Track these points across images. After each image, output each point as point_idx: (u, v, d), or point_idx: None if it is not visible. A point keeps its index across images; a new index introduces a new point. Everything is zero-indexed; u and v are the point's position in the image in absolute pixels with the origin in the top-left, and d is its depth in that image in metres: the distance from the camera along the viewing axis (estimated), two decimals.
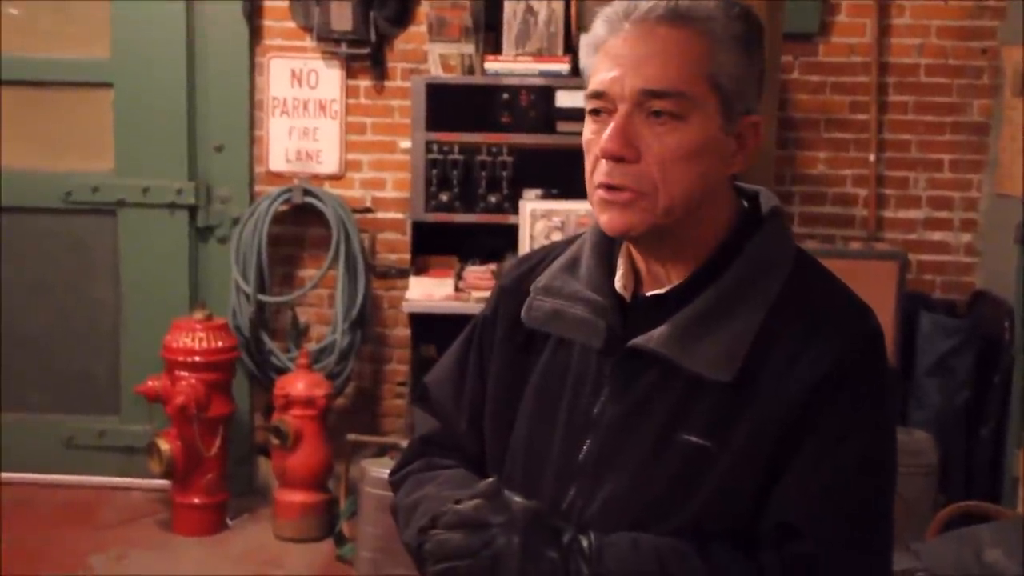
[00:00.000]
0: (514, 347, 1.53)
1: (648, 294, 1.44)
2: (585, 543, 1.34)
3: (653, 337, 1.37)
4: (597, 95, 1.37)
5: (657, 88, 1.33)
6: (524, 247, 4.22)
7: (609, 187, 1.36)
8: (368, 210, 4.84)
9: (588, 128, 1.40)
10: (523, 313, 1.50)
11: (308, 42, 4.79)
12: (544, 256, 1.58)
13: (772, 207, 1.45)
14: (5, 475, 4.74)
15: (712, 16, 1.35)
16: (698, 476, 1.34)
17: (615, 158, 1.35)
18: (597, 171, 1.38)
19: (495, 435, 1.53)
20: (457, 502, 1.38)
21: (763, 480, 1.32)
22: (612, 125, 1.35)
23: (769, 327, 1.35)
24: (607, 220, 1.38)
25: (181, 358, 4.34)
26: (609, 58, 1.36)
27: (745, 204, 1.46)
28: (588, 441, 1.42)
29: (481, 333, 1.59)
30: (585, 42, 1.43)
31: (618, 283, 1.46)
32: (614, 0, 1.40)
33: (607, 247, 1.48)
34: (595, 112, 1.38)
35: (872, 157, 4.72)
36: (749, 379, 1.33)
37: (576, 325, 1.45)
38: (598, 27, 1.39)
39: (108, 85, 4.77)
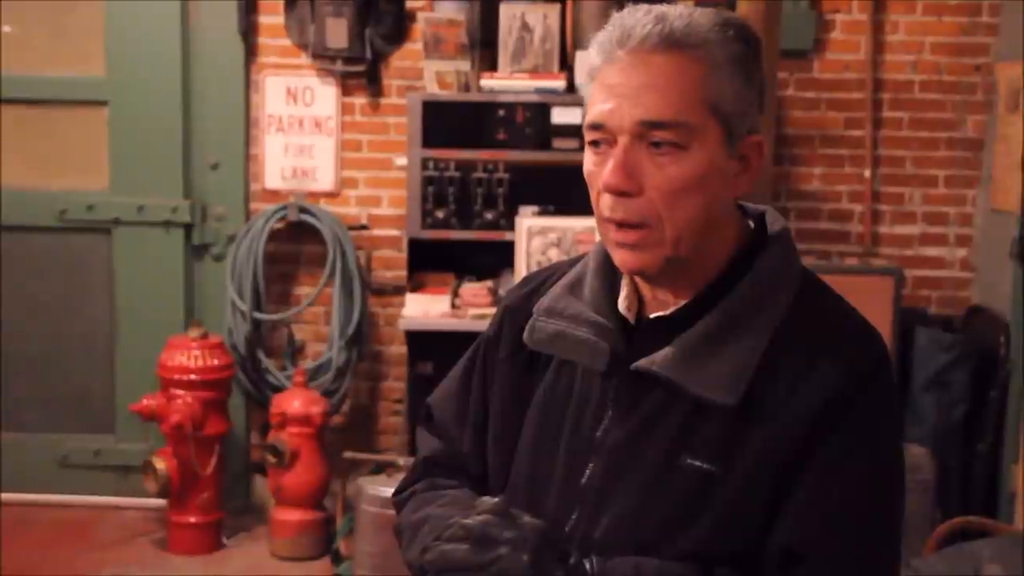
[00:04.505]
0: (517, 368, 1.52)
1: (652, 316, 1.42)
2: (588, 567, 1.33)
3: (657, 360, 1.36)
4: (596, 127, 1.34)
5: (656, 119, 1.30)
6: (520, 264, 4.22)
7: (619, 225, 1.34)
8: (364, 227, 4.84)
9: (589, 160, 1.37)
10: (526, 334, 1.48)
11: (303, 59, 4.80)
12: (548, 276, 1.56)
13: (779, 228, 1.43)
14: (1, 494, 4.71)
15: (708, 39, 1.32)
16: (703, 501, 1.32)
17: (617, 192, 1.32)
18: (602, 204, 1.35)
19: (498, 456, 1.52)
20: (464, 517, 1.37)
21: (769, 504, 1.31)
22: (613, 159, 1.32)
23: (775, 349, 1.33)
24: (620, 260, 1.37)
25: (176, 376, 4.33)
26: (605, 88, 1.33)
27: (751, 224, 1.44)
28: (591, 464, 1.40)
29: (484, 353, 1.57)
30: (583, 67, 1.41)
31: (622, 304, 1.44)
32: (608, 25, 1.36)
33: (611, 268, 1.46)
34: (595, 144, 1.36)
35: (867, 173, 4.74)
36: (755, 402, 1.31)
37: (579, 347, 1.43)
38: (593, 54, 1.36)
39: (103, 103, 4.76)
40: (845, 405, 1.31)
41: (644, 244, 1.33)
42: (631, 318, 1.44)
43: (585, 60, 1.39)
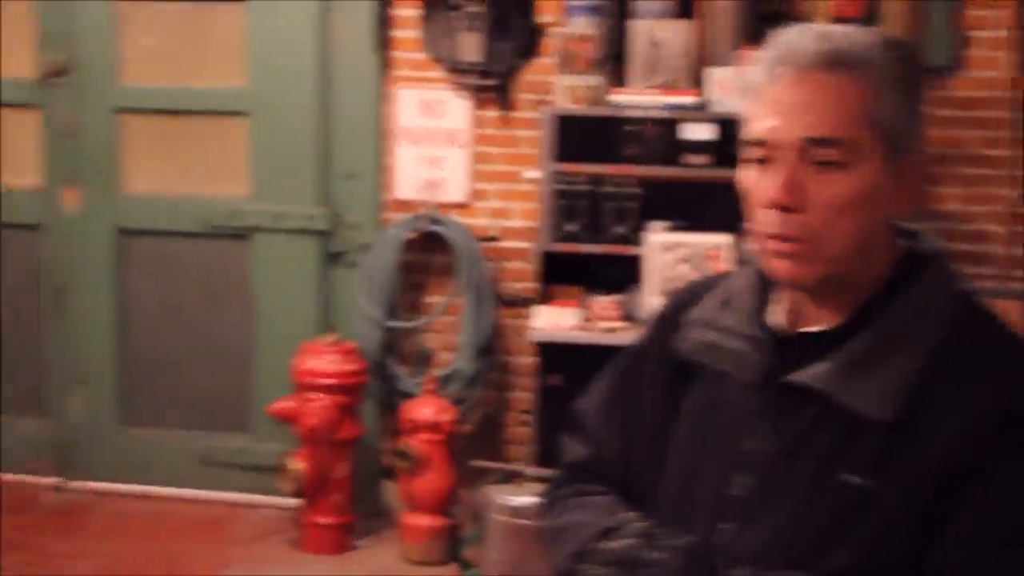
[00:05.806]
0: (668, 378, 1.53)
1: (804, 331, 1.43)
2: None
3: (811, 373, 1.36)
4: (759, 143, 1.36)
5: (820, 136, 1.32)
6: (649, 279, 4.23)
7: (778, 238, 1.36)
8: (493, 239, 4.90)
9: (749, 175, 1.39)
10: (678, 344, 1.51)
11: (437, 73, 4.88)
12: (701, 288, 1.58)
13: (935, 248, 1.43)
14: (143, 488, 4.94)
15: (872, 58, 1.33)
16: (856, 518, 1.31)
17: (782, 208, 1.34)
18: (761, 219, 1.37)
19: (646, 466, 1.53)
20: (607, 537, 1.39)
21: (924, 523, 1.29)
22: (778, 175, 1.34)
23: (932, 369, 1.32)
24: (777, 271, 1.38)
25: (312, 380, 4.43)
26: (769, 105, 1.35)
27: (906, 244, 1.44)
28: (742, 477, 1.41)
29: (635, 362, 1.60)
30: (737, 82, 1.43)
31: (774, 319, 1.46)
32: (770, 43, 1.38)
33: (763, 284, 1.48)
34: (757, 160, 1.37)
35: (1009, 193, 4.62)
36: (911, 420, 1.30)
37: (731, 358, 1.45)
38: (755, 72, 1.38)
39: (245, 114, 4.93)
40: (1008, 431, 1.28)
41: (802, 256, 1.35)
42: (783, 332, 1.45)
43: (747, 77, 1.41)
